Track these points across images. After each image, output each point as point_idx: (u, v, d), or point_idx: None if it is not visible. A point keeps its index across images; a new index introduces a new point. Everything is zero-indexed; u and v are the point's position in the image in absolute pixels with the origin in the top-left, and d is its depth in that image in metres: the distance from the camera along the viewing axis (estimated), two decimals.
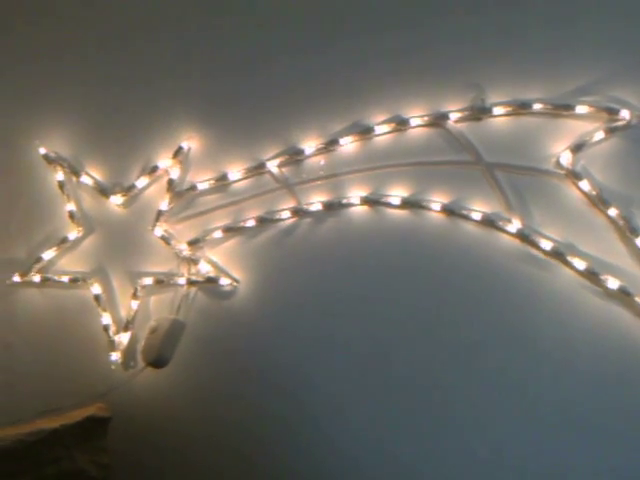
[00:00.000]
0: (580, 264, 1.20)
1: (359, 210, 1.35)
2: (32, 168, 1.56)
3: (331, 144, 1.34)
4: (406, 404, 1.34)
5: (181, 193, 1.45)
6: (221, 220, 1.43)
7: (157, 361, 1.41)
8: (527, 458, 1.28)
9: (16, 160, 1.57)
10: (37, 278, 1.54)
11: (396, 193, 1.32)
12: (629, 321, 1.20)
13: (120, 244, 1.51)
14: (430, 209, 1.29)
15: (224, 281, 1.42)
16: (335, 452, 1.41)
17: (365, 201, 1.33)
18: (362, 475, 1.39)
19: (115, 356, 1.50)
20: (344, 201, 1.34)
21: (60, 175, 1.52)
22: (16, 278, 1.55)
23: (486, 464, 1.30)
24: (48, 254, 1.53)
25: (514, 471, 1.29)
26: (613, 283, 1.18)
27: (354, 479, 1.40)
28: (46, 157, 1.53)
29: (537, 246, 1.23)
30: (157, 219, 1.45)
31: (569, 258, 1.21)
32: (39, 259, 1.53)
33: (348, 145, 1.34)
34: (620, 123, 1.17)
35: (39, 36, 1.57)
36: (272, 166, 1.38)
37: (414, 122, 1.29)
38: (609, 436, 1.22)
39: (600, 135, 1.18)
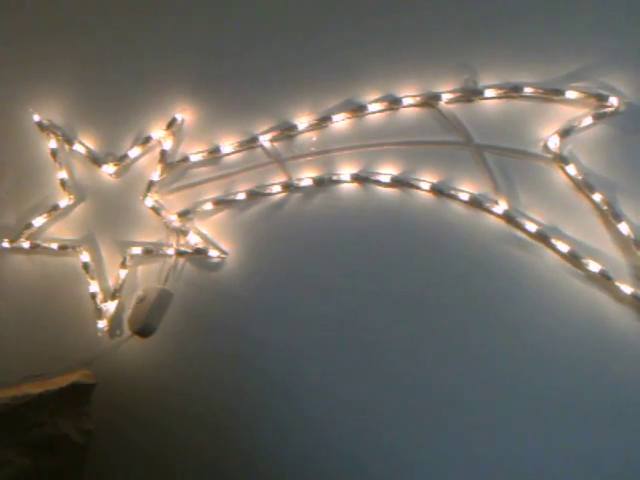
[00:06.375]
0: (563, 247, 1.22)
1: (349, 187, 1.35)
2: (25, 135, 1.54)
3: (323, 120, 1.34)
4: (384, 378, 1.37)
5: (173, 164, 1.45)
6: (212, 192, 1.44)
7: (143, 330, 1.41)
8: (505, 439, 1.30)
9: (9, 127, 1.56)
10: (26, 244, 1.53)
11: (386, 171, 1.33)
12: (608, 304, 1.22)
13: (110, 213, 1.51)
14: (419, 188, 1.30)
15: (213, 253, 1.42)
16: (315, 431, 1.43)
17: (355, 178, 1.34)
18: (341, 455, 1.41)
19: (102, 324, 1.50)
20: (334, 177, 1.35)
21: (53, 143, 1.51)
22: (5, 244, 1.54)
23: (467, 447, 1.33)
24: (38, 221, 1.53)
25: (495, 454, 1.31)
26: (594, 267, 1.20)
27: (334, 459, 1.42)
28: (39, 124, 1.52)
29: (522, 228, 1.25)
30: (148, 189, 1.45)
31: (553, 241, 1.23)
32: (29, 225, 1.53)
33: (340, 122, 1.34)
34: (608, 110, 1.18)
35: (35, 7, 1.55)
36: (264, 140, 1.39)
37: (406, 102, 1.29)
38: (588, 418, 1.25)
39: (588, 121, 1.20)
